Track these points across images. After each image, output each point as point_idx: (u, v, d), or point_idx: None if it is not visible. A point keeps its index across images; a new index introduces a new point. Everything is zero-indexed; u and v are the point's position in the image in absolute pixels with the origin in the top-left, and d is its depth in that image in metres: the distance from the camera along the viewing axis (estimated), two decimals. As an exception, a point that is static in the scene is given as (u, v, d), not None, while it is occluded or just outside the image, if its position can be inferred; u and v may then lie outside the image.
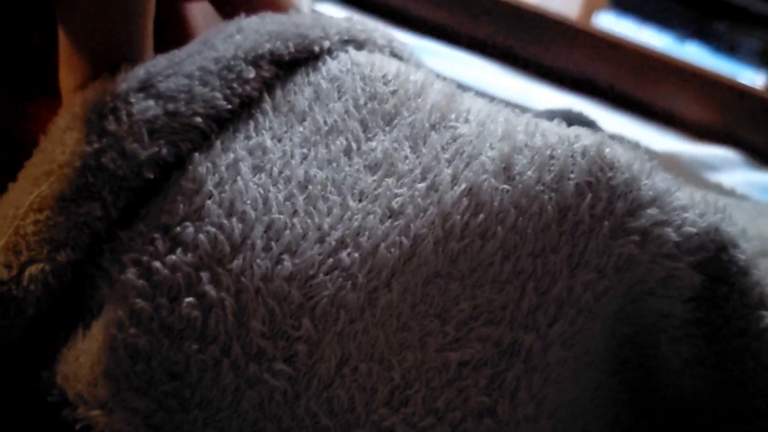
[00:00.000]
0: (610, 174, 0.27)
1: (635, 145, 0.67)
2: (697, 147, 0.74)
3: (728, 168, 0.72)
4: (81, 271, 0.26)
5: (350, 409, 0.25)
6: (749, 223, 0.55)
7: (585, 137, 0.28)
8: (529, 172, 0.27)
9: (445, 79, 0.32)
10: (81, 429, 0.26)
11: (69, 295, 0.26)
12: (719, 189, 0.65)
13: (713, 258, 0.27)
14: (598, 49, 0.76)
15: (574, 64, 0.77)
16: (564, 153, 0.27)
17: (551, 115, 0.66)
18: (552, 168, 0.27)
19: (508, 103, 0.66)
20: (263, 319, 0.25)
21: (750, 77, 1.03)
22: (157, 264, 0.25)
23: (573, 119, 0.67)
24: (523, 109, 0.66)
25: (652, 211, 0.27)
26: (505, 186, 0.26)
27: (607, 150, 0.27)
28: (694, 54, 1.15)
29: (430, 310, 0.26)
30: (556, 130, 0.28)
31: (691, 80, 0.75)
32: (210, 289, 0.24)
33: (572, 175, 0.27)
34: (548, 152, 0.27)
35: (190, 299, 0.24)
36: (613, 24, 1.15)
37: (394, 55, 0.33)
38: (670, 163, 0.68)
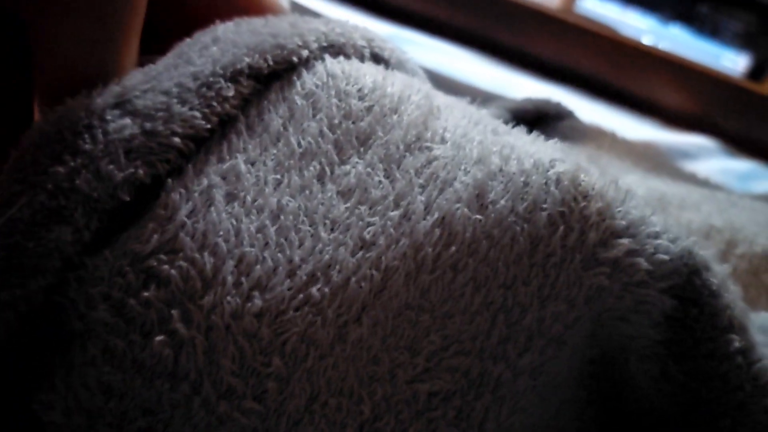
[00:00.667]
0: (583, 203, 0.27)
1: (612, 137, 0.68)
2: (674, 135, 0.74)
3: (705, 156, 0.72)
4: (53, 298, 0.25)
5: None
6: (721, 213, 0.57)
7: (560, 163, 0.27)
8: (503, 201, 0.26)
9: (426, 83, 0.32)
10: None
11: (45, 319, 0.26)
12: (694, 179, 0.66)
13: (685, 282, 0.27)
14: (577, 39, 0.76)
15: (554, 53, 0.77)
16: (538, 181, 0.27)
17: (530, 105, 0.67)
18: (525, 197, 0.26)
19: (489, 97, 0.67)
20: (233, 356, 0.24)
21: (732, 59, 1.04)
22: (131, 301, 0.24)
23: (551, 110, 0.68)
24: (503, 99, 0.67)
25: (624, 240, 0.27)
26: (478, 216, 0.26)
27: (581, 177, 0.27)
28: (677, 36, 1.15)
29: (401, 343, 0.26)
30: (533, 151, 0.28)
31: (669, 69, 0.76)
32: (181, 327, 0.24)
33: (545, 205, 0.26)
34: (522, 179, 0.27)
35: (161, 337, 0.24)
36: (596, 7, 1.15)
37: (375, 55, 0.32)
38: (647, 151, 0.69)
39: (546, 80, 0.78)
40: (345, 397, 0.25)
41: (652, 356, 0.28)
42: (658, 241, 0.27)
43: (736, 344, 0.28)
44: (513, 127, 0.31)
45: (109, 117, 0.25)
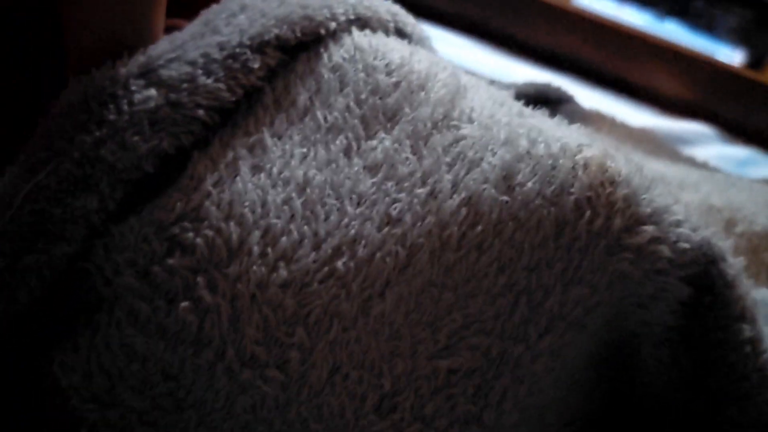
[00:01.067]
0: (610, 189, 0.27)
1: (611, 122, 0.68)
2: (672, 122, 0.75)
3: (702, 142, 0.73)
4: (77, 263, 0.26)
5: (340, 414, 0.25)
6: (721, 193, 0.57)
7: (588, 148, 0.27)
8: (530, 184, 0.26)
9: (448, 64, 0.31)
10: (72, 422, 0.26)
11: (67, 284, 0.26)
12: (692, 162, 0.66)
13: (703, 271, 0.28)
14: (578, 27, 0.77)
15: (554, 41, 0.78)
16: (565, 165, 0.27)
17: (532, 88, 0.67)
18: (553, 180, 0.27)
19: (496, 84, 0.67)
20: (257, 325, 0.25)
21: (727, 54, 1.04)
22: (156, 268, 0.25)
23: (552, 94, 0.68)
24: (504, 84, 0.67)
25: (648, 227, 0.27)
26: (505, 197, 0.26)
27: (608, 163, 0.27)
28: (673, 32, 1.15)
29: (423, 319, 0.26)
30: (560, 135, 0.28)
31: (668, 57, 0.76)
32: (206, 294, 0.24)
33: (572, 189, 0.27)
34: (550, 162, 0.27)
35: (186, 303, 0.24)
36: (592, 2, 1.16)
37: (398, 29, 0.32)
38: (645, 137, 0.70)
39: (545, 68, 0.78)
40: (366, 370, 0.25)
41: (665, 342, 0.29)
42: (680, 230, 0.28)
43: (747, 334, 0.28)
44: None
45: (134, 87, 0.25)
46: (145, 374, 0.25)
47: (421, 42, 0.33)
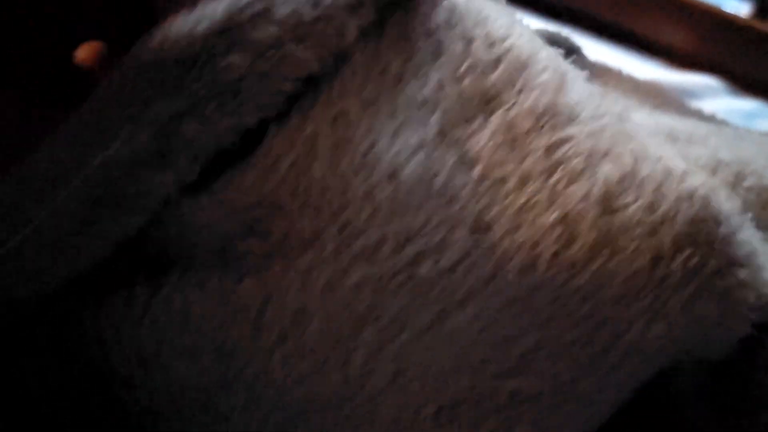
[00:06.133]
0: (712, 226, 0.26)
1: (618, 75, 0.67)
2: (679, 75, 0.74)
3: (710, 95, 0.72)
4: (147, 230, 0.24)
5: (394, 420, 0.25)
6: (729, 147, 0.57)
7: (691, 176, 0.26)
8: (632, 208, 0.25)
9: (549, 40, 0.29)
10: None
11: (134, 246, 0.25)
12: (699, 114, 0.66)
13: None
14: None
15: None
16: (670, 195, 0.26)
17: (543, 36, 0.67)
18: (655, 208, 0.25)
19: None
20: (323, 320, 0.24)
21: (734, 6, 1.03)
22: (230, 248, 0.24)
23: (561, 42, 0.67)
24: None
25: (740, 272, 0.26)
26: (605, 220, 0.25)
27: (712, 197, 0.26)
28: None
29: (496, 337, 0.25)
30: (662, 153, 0.27)
31: (676, 9, 0.75)
32: (273, 282, 0.24)
33: (675, 223, 0.26)
34: (654, 187, 0.26)
35: (252, 287, 0.24)
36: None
37: None
38: (652, 91, 0.69)
39: (551, 20, 0.77)
40: (429, 378, 0.24)
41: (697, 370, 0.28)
42: (766, 274, 0.27)
43: None
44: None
45: (215, 50, 0.23)
46: (195, 344, 0.24)
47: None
